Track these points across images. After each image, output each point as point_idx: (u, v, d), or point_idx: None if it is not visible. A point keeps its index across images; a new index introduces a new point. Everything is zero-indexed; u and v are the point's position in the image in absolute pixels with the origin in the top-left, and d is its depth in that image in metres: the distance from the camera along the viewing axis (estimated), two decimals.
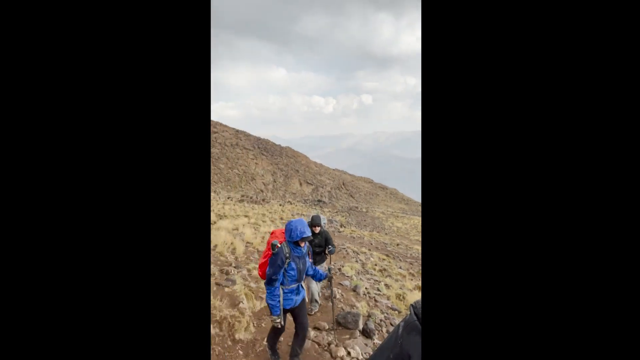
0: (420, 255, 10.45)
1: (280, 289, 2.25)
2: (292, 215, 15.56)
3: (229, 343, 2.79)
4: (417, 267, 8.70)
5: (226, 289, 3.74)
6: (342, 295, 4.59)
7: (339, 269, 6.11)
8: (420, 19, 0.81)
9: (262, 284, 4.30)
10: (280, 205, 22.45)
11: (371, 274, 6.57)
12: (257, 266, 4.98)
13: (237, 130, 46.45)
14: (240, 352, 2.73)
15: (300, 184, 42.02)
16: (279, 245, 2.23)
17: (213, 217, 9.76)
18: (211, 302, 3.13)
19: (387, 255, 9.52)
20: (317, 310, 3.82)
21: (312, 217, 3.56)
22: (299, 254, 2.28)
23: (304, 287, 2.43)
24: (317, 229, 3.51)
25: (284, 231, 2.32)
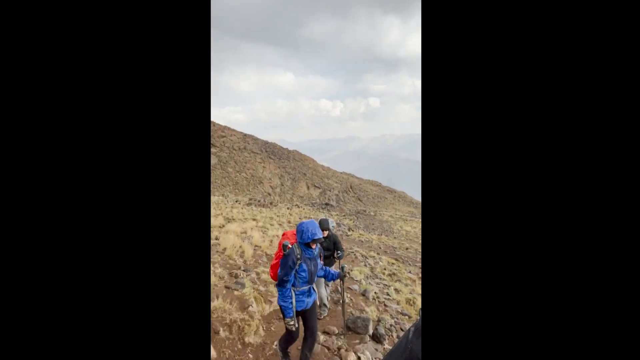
0: None
1: (292, 290, 2.24)
2: (299, 218, 15.58)
3: (239, 346, 2.79)
4: None
5: (235, 292, 3.75)
6: (351, 299, 4.55)
7: (348, 273, 6.07)
8: None
9: (271, 287, 4.30)
10: (287, 208, 22.51)
11: (380, 278, 6.50)
12: (266, 269, 4.99)
13: (245, 135, 46.92)
14: (250, 356, 2.72)
15: (308, 187, 42.08)
16: (290, 247, 2.23)
17: (222, 220, 9.85)
18: (221, 306, 3.14)
19: (396, 260, 9.42)
20: (326, 314, 3.79)
21: (320, 221, 3.52)
22: (310, 256, 2.27)
23: (315, 290, 2.41)
24: (326, 233, 3.49)
25: (295, 232, 2.32)
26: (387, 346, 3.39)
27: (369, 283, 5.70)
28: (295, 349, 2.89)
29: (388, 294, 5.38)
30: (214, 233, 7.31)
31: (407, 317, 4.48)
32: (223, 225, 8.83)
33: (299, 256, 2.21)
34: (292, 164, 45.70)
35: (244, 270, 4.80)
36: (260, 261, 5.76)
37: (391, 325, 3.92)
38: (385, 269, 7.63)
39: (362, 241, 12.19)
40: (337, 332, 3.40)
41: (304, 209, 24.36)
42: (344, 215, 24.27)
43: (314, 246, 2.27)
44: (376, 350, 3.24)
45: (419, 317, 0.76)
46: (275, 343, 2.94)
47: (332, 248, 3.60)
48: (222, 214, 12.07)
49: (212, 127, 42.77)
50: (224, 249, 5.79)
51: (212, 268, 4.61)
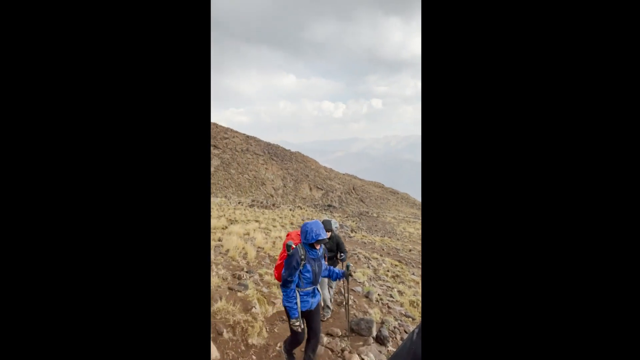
0: None
1: (297, 291, 2.23)
2: (302, 220, 15.58)
3: (243, 348, 2.79)
4: None
5: (239, 294, 3.75)
6: (354, 301, 4.54)
7: (352, 272, 6.05)
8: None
9: (274, 289, 4.30)
10: (290, 210, 22.52)
11: (383, 280, 6.47)
12: (269, 271, 4.99)
13: (248, 136, 47.09)
14: (254, 357, 2.72)
15: (310, 189, 42.09)
16: (294, 247, 2.23)
17: (224, 222, 9.87)
18: (224, 307, 3.14)
19: (399, 261, 9.38)
20: (329, 316, 3.78)
21: (323, 222, 3.52)
22: (314, 256, 2.26)
23: (319, 291, 2.40)
24: (328, 234, 3.48)
25: (299, 233, 2.32)
26: (391, 348, 3.37)
27: (372, 285, 5.68)
28: (299, 350, 2.88)
29: (391, 296, 5.35)
30: (217, 234, 7.32)
31: (410, 319, 4.46)
32: (226, 227, 8.84)
33: (303, 257, 2.21)
34: (294, 165, 45.76)
35: (247, 272, 4.80)
36: (263, 263, 5.76)
37: (395, 327, 3.90)
38: (388, 271, 7.60)
39: (365, 243, 12.15)
40: (340, 334, 3.39)
41: (306, 210, 24.37)
42: (347, 217, 24.23)
43: (318, 247, 2.26)
44: (380, 352, 3.22)
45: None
46: (279, 344, 2.94)
47: (335, 249, 3.60)
48: (224, 215, 12.10)
49: (215, 129, 42.97)
50: (227, 250, 5.80)
51: (215, 269, 4.62)
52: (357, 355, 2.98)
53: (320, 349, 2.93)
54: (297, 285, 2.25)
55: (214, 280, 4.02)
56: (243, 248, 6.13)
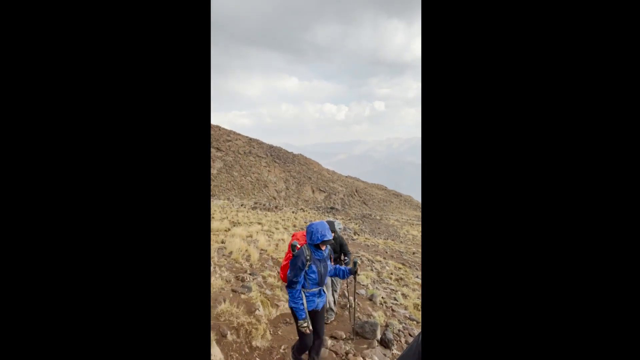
0: None
1: (302, 292, 2.22)
2: (305, 222, 15.56)
3: (246, 350, 2.78)
4: None
5: (242, 296, 3.74)
6: (358, 304, 4.51)
7: (358, 270, 6.03)
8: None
9: (277, 291, 4.29)
10: (293, 212, 22.52)
11: (387, 283, 6.43)
12: (272, 273, 4.98)
13: (250, 139, 47.28)
14: None
15: (313, 191, 42.10)
16: (300, 247, 2.22)
17: (227, 224, 9.88)
18: (228, 309, 3.13)
19: (403, 264, 9.32)
20: (333, 319, 3.75)
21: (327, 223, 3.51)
22: (319, 257, 2.25)
23: (325, 292, 2.38)
24: (332, 235, 3.47)
25: (305, 234, 2.31)
26: (396, 351, 3.34)
27: (376, 288, 5.64)
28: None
29: (395, 299, 5.31)
30: (220, 237, 7.33)
31: (415, 322, 4.42)
32: (229, 229, 8.85)
33: (308, 257, 2.19)
34: (297, 167, 45.84)
35: (250, 274, 4.79)
36: (266, 265, 5.75)
37: (399, 330, 3.86)
38: (392, 274, 7.55)
39: (368, 245, 12.11)
40: (344, 336, 3.36)
41: (309, 212, 24.35)
42: (350, 219, 24.18)
43: (323, 247, 2.25)
44: (384, 355, 3.19)
45: None
46: (283, 347, 2.92)
47: (338, 250, 3.58)
48: (227, 217, 12.12)
49: (217, 131, 43.19)
50: (230, 253, 5.80)
51: (219, 271, 4.61)
52: (361, 358, 2.96)
53: (325, 352, 2.91)
54: (303, 286, 2.23)
55: (218, 283, 4.01)
56: (246, 250, 6.12)
